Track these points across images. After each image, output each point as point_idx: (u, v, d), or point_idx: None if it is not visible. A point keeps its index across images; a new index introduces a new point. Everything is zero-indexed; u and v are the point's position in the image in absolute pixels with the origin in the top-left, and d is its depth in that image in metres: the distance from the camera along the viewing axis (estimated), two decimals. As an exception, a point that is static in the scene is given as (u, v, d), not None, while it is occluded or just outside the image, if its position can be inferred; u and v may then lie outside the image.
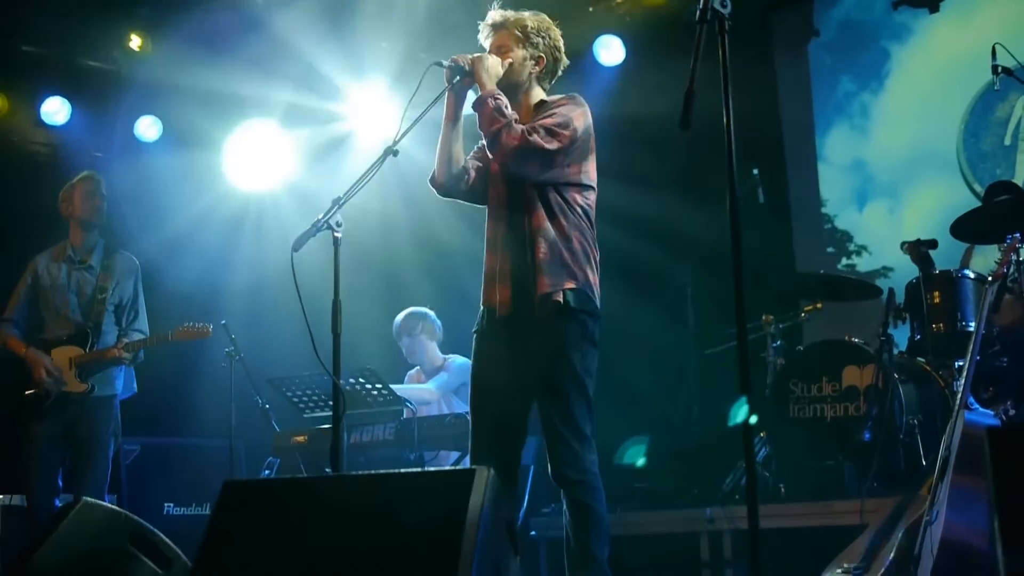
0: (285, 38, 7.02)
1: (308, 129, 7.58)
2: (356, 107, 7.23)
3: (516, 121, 3.69)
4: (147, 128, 7.67)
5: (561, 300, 3.64)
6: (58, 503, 5.31)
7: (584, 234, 3.76)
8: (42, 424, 5.33)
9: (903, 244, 5.73)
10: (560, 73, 4.00)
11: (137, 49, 7.16)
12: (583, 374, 3.66)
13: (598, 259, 3.82)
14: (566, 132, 3.69)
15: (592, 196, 3.84)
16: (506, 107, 3.69)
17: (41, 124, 7.47)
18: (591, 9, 7.05)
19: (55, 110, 7.42)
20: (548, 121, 3.72)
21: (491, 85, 3.73)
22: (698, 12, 2.75)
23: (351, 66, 7.14)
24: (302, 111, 7.53)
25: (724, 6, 2.76)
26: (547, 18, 3.95)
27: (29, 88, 7.40)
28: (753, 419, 2.66)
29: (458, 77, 3.77)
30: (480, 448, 3.74)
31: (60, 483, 5.35)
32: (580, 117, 3.77)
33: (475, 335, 3.86)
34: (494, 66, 3.77)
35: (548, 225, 3.70)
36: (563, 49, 3.97)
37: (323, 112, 7.46)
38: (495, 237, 3.84)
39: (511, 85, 3.83)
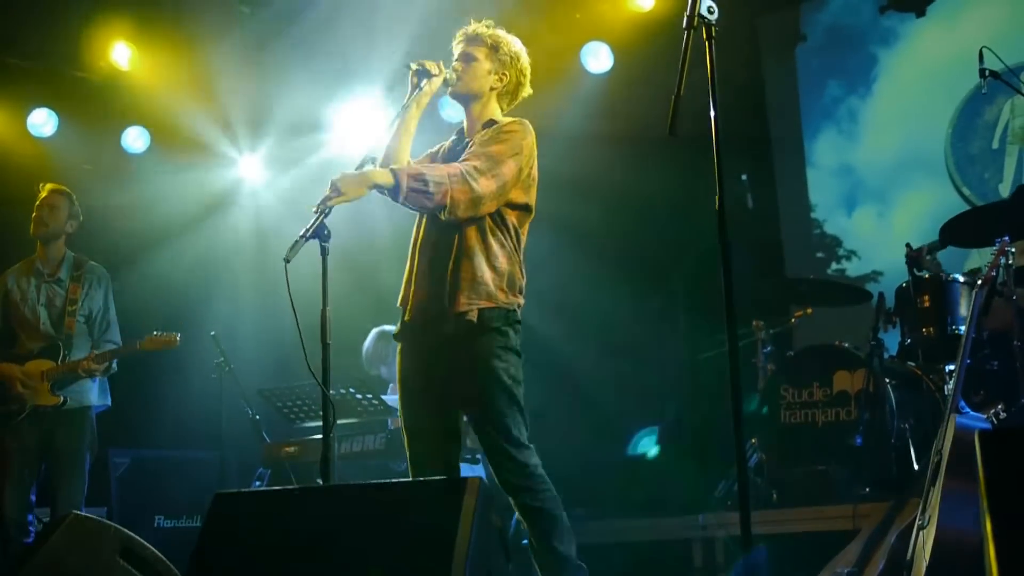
0: (276, 47, 7.01)
1: (301, 141, 7.57)
2: (349, 117, 7.21)
3: (451, 176, 3.53)
4: (135, 139, 7.65)
5: (475, 320, 3.59)
6: (32, 518, 5.26)
7: (511, 257, 3.70)
8: (16, 439, 5.27)
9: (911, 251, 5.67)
10: (519, 101, 3.95)
11: (124, 60, 7.14)
12: (511, 383, 3.61)
13: (524, 284, 3.75)
14: (509, 166, 3.62)
15: (527, 220, 3.79)
16: (429, 175, 3.52)
17: (28, 136, 7.44)
18: (578, 16, 7.05)
19: (42, 122, 7.39)
20: (494, 149, 3.65)
21: (380, 179, 3.50)
22: (685, 18, 2.77)
23: (341, 77, 7.13)
24: (296, 121, 7.51)
25: (711, 12, 2.78)
26: (522, 46, 3.91)
27: (16, 100, 7.37)
28: (746, 405, 2.65)
29: (423, 80, 3.74)
30: (416, 456, 3.70)
31: (33, 498, 5.29)
32: (528, 146, 3.72)
33: (398, 342, 3.81)
34: (357, 181, 3.50)
35: (476, 242, 3.64)
36: (529, 77, 3.93)
37: (317, 123, 7.43)
38: (419, 240, 3.78)
39: (470, 93, 3.80)
